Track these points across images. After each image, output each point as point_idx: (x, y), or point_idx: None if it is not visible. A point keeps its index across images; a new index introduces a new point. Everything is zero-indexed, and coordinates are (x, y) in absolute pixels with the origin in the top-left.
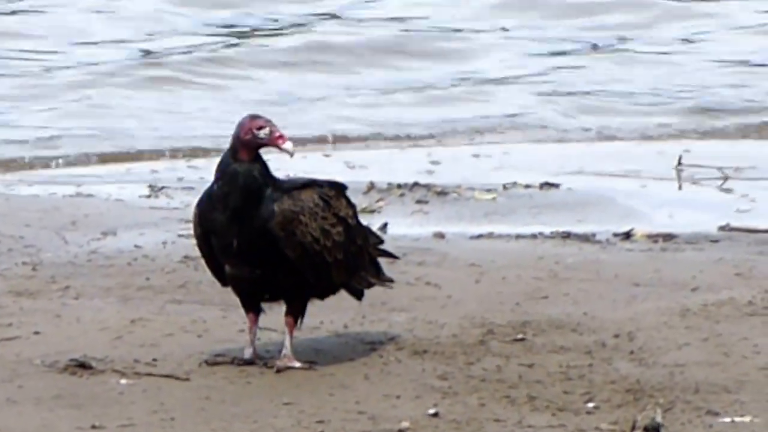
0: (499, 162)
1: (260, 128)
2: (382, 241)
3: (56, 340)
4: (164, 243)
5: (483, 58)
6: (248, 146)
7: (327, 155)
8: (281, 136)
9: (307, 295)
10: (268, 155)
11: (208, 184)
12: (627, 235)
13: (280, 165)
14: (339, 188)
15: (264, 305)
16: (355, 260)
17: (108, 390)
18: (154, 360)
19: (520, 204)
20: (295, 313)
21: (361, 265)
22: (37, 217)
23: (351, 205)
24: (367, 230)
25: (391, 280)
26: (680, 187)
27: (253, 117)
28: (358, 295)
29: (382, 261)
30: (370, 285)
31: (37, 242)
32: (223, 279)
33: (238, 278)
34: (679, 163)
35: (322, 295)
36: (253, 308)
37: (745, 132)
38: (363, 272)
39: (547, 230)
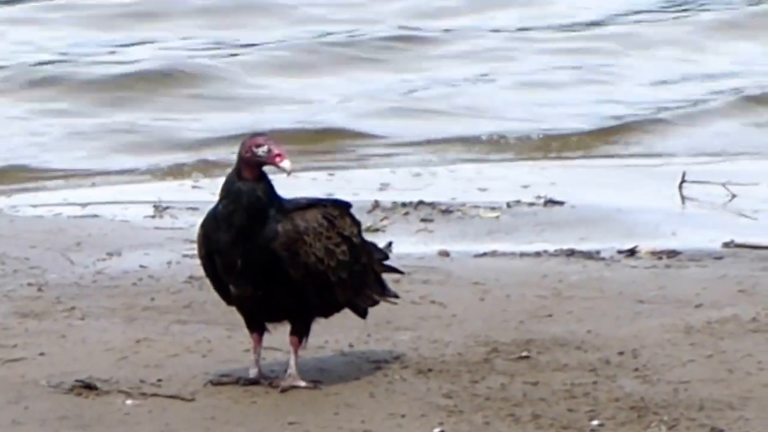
0: None
1: (259, 146)
2: (387, 257)
3: (62, 361)
4: (169, 263)
5: None
6: (249, 164)
7: (331, 174)
8: (279, 155)
9: (311, 314)
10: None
11: (213, 205)
12: (631, 253)
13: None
14: (343, 207)
15: (268, 325)
16: (359, 279)
17: (114, 411)
18: (160, 380)
19: (523, 222)
20: (300, 332)
21: (366, 283)
22: (42, 239)
23: (356, 223)
24: (372, 246)
25: (396, 296)
26: (684, 204)
27: (254, 135)
28: (362, 314)
29: (388, 278)
30: (374, 303)
31: (43, 263)
32: (228, 298)
33: (242, 298)
34: (683, 180)
35: (327, 314)
36: (257, 328)
37: None
38: (368, 290)
39: (551, 248)
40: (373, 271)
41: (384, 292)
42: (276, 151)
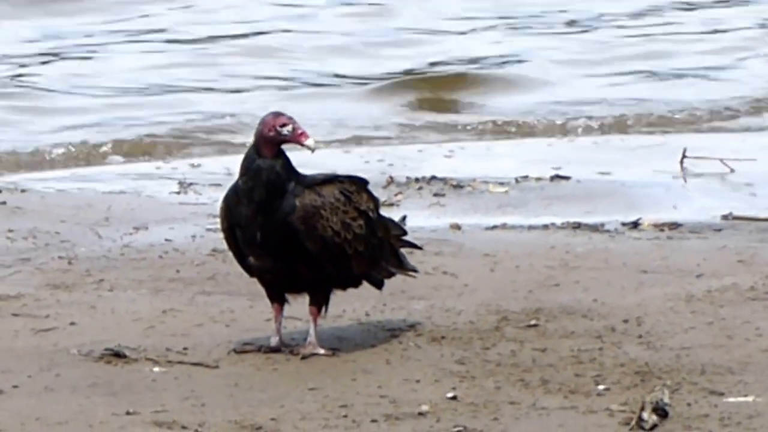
0: None
1: (283, 125)
2: (405, 233)
3: (92, 331)
4: (193, 237)
5: None
6: (271, 142)
7: (347, 151)
8: (303, 133)
9: (329, 285)
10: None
11: (234, 180)
12: (634, 225)
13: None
14: (360, 182)
15: (289, 296)
16: (375, 252)
17: (141, 378)
18: (185, 349)
19: (532, 196)
20: (319, 302)
21: (382, 256)
22: (72, 213)
23: (373, 199)
24: (389, 222)
25: (414, 270)
26: (684, 179)
27: (276, 114)
28: (378, 285)
29: (406, 251)
30: (390, 275)
31: (72, 237)
32: (249, 270)
33: (262, 270)
34: (684, 156)
35: (344, 286)
36: (278, 298)
37: None
38: (384, 263)
39: (558, 221)
40: (389, 245)
41: (402, 265)
42: (300, 129)
